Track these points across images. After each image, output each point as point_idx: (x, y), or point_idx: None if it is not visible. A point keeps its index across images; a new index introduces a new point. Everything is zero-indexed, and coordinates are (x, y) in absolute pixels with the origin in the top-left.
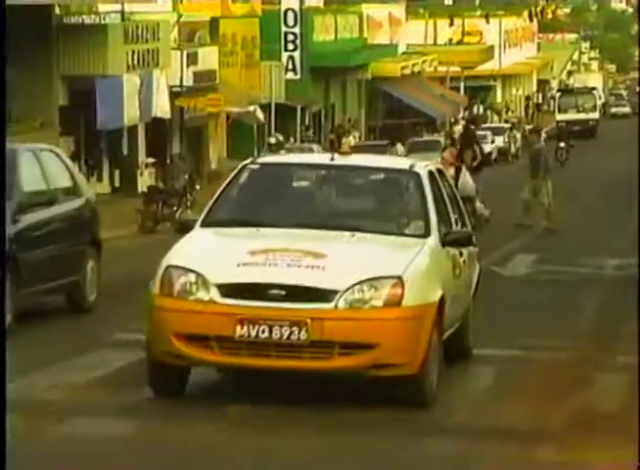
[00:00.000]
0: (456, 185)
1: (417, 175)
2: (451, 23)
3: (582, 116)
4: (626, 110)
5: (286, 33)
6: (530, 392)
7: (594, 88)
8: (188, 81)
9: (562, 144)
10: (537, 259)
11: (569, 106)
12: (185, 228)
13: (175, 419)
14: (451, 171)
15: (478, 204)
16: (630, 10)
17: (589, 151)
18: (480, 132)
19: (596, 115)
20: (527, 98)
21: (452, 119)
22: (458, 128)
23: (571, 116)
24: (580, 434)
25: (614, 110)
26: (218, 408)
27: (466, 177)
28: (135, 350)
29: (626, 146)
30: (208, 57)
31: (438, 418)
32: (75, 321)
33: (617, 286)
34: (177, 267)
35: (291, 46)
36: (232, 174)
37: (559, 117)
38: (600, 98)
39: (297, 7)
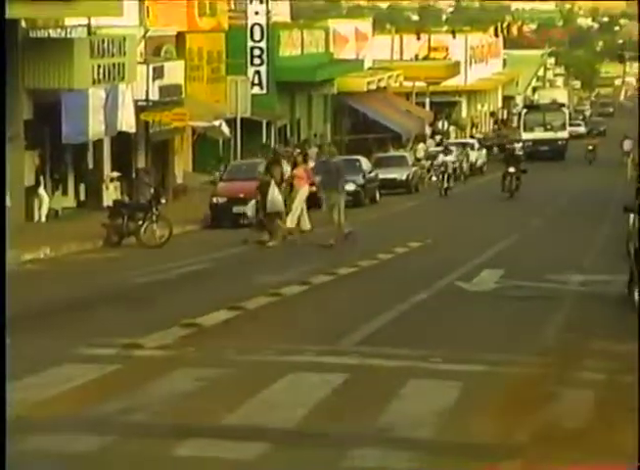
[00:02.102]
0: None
1: None
2: (418, 38)
3: (550, 135)
4: (581, 129)
5: (252, 48)
6: (495, 407)
7: (563, 104)
8: (154, 95)
9: (511, 169)
10: (504, 275)
11: (535, 123)
12: None
13: (141, 434)
14: (305, 188)
15: (292, 218)
16: (596, 26)
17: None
18: (436, 149)
19: (565, 134)
20: (493, 114)
21: (414, 137)
22: (421, 146)
23: (539, 134)
24: (545, 449)
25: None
26: (187, 423)
27: (274, 193)
28: (98, 364)
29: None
30: (174, 71)
31: (404, 433)
32: (37, 335)
33: (582, 302)
34: None
35: (257, 61)
36: None
37: (525, 135)
38: (570, 115)
39: (263, 22)
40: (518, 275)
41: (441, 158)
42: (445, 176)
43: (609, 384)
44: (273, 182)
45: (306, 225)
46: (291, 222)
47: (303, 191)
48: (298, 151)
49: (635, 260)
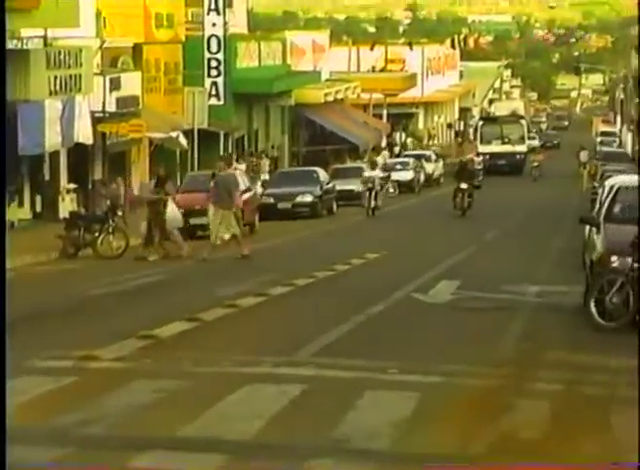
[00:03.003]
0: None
1: None
2: (372, 49)
3: (508, 148)
4: (535, 143)
5: (209, 59)
6: (452, 418)
7: (522, 117)
8: (111, 107)
9: (463, 185)
10: (460, 286)
11: (492, 136)
12: None
13: (98, 446)
14: (170, 207)
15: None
16: (552, 38)
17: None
18: (394, 161)
19: (524, 147)
20: (450, 126)
21: (372, 147)
22: (381, 155)
23: (496, 148)
24: (502, 460)
25: None
26: (144, 435)
27: (174, 209)
28: (54, 377)
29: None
30: (131, 82)
31: (360, 444)
32: None
33: (538, 313)
34: None
35: (214, 72)
36: None
37: (481, 148)
38: (528, 127)
39: (220, 33)
40: (474, 286)
41: (367, 173)
42: (372, 194)
43: (565, 394)
44: (170, 199)
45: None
46: (220, 238)
47: (170, 209)
48: (253, 161)
49: (591, 271)
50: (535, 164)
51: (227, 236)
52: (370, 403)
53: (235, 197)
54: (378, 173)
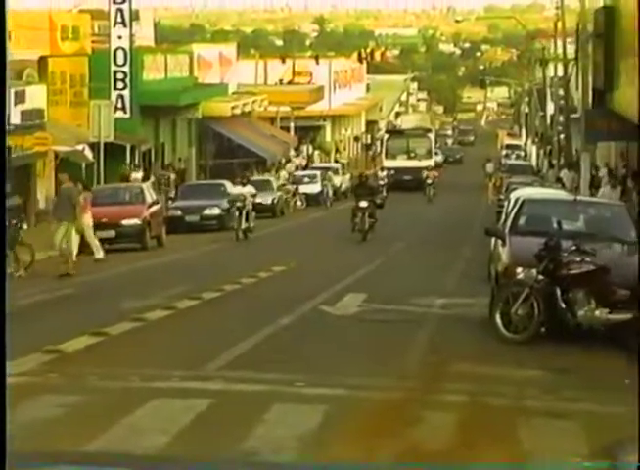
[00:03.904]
0: None
1: None
2: (283, 63)
3: (414, 163)
4: (439, 158)
5: (115, 72)
6: (358, 430)
7: (429, 130)
8: (15, 120)
9: (363, 203)
10: (367, 299)
11: (398, 150)
12: None
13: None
14: (85, 217)
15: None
16: (458, 52)
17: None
18: (302, 174)
19: (430, 162)
20: (357, 138)
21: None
22: (289, 166)
23: (401, 162)
24: None
25: None
26: (49, 450)
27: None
28: None
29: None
30: (37, 95)
31: (268, 458)
32: None
33: (444, 325)
34: None
35: (120, 85)
36: None
37: (386, 163)
38: (436, 141)
39: (126, 46)
40: (381, 299)
41: (237, 189)
42: (243, 213)
43: (470, 406)
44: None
45: (99, 254)
46: (99, 251)
47: (86, 219)
48: (163, 174)
49: (496, 283)
50: (429, 181)
51: (66, 246)
52: (277, 417)
53: (77, 210)
54: (249, 190)
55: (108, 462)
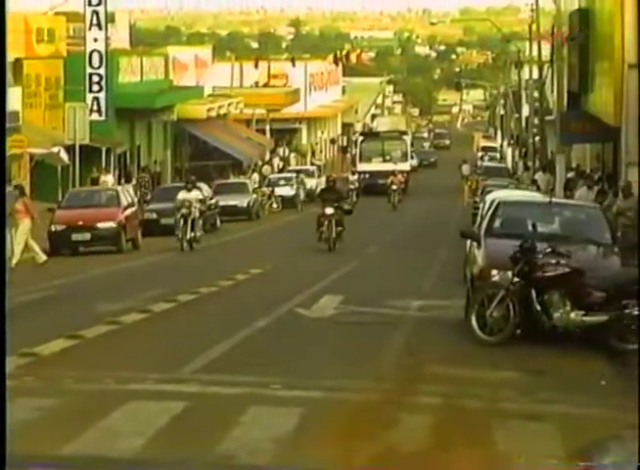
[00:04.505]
0: None
1: None
2: (256, 66)
3: (389, 166)
4: (414, 162)
5: (91, 75)
6: (334, 433)
7: (405, 132)
8: None
9: (329, 210)
10: (343, 301)
11: (373, 153)
12: None
13: None
14: (26, 222)
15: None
16: (434, 54)
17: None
18: (277, 176)
19: (406, 165)
20: (333, 141)
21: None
22: (266, 168)
23: (376, 166)
24: None
25: None
26: (25, 453)
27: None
28: None
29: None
30: (12, 98)
31: (244, 460)
32: None
33: (419, 327)
34: None
35: (96, 87)
36: None
37: (360, 166)
38: (412, 144)
39: (102, 48)
40: (357, 301)
41: (182, 195)
42: (189, 222)
43: (446, 408)
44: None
45: (41, 258)
46: (16, 257)
47: (25, 225)
48: (142, 177)
49: (472, 285)
50: (394, 187)
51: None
52: (253, 419)
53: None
54: (196, 195)
55: (84, 465)
